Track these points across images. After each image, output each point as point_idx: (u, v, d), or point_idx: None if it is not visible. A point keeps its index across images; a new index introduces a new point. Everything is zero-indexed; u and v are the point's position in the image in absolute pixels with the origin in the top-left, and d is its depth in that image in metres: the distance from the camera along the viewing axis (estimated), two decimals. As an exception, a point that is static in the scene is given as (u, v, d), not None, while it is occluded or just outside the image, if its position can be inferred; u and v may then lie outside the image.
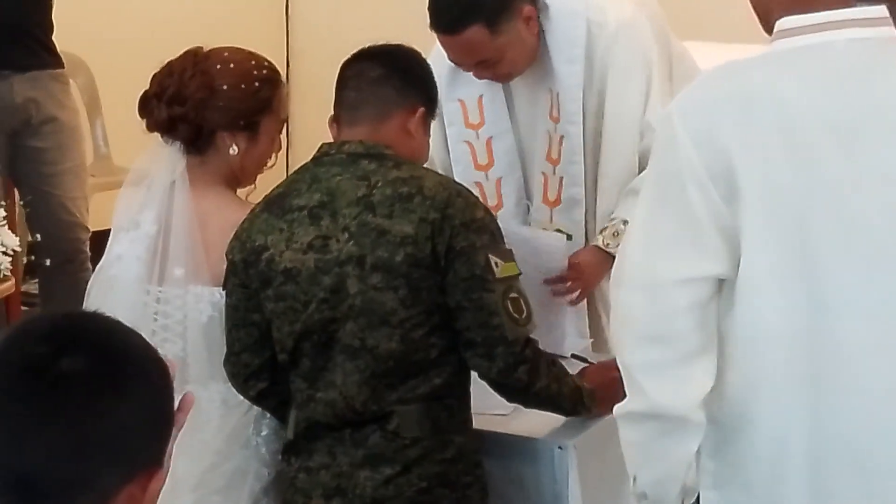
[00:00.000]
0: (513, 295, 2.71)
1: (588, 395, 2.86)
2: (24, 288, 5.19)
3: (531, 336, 2.75)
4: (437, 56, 3.30)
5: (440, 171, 3.24)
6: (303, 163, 2.88)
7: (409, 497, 2.72)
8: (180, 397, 1.67)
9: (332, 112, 2.88)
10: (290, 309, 2.75)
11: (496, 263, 2.70)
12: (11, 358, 1.56)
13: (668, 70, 3.37)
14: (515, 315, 2.70)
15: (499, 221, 2.84)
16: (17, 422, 1.53)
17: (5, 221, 4.18)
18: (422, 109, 2.87)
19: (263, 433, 2.96)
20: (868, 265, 2.16)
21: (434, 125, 3.03)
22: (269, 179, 3.01)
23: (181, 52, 3.02)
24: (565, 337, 3.30)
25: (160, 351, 1.65)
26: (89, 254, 4.85)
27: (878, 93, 2.20)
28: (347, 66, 2.89)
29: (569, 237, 3.33)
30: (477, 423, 2.85)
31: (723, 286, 2.20)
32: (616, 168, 3.34)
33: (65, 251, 4.85)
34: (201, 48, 3.03)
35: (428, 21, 3.21)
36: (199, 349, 2.94)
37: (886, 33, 2.22)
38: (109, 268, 3.02)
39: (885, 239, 2.16)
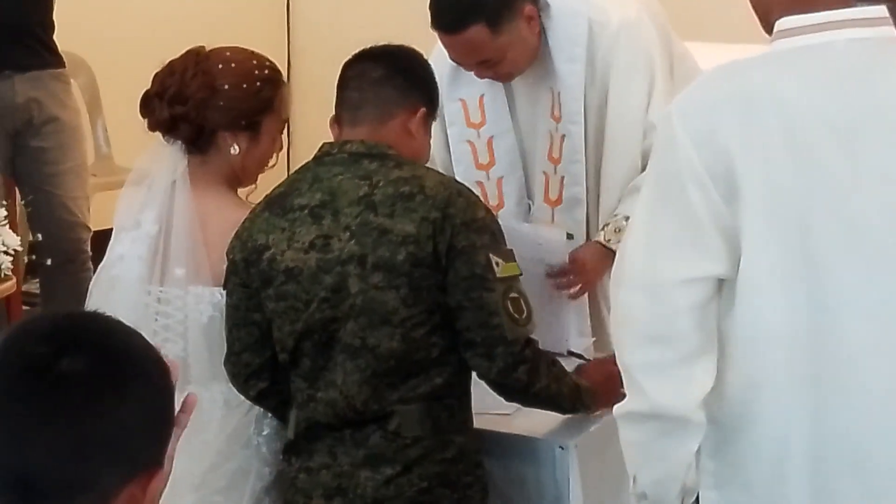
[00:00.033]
0: (513, 295, 2.71)
1: (587, 392, 2.87)
2: (25, 287, 5.19)
3: (531, 336, 2.75)
4: (438, 55, 3.30)
5: (441, 171, 3.24)
6: (304, 162, 2.88)
7: (410, 497, 2.72)
8: (183, 398, 1.67)
9: (334, 112, 2.89)
10: (291, 308, 2.75)
11: (497, 263, 2.70)
12: (12, 358, 1.56)
13: (670, 70, 3.37)
14: (515, 315, 2.70)
15: (499, 220, 2.84)
16: (18, 422, 1.53)
17: (6, 221, 4.18)
18: (423, 110, 2.88)
19: (265, 433, 2.96)
20: (868, 265, 2.16)
21: (435, 125, 3.03)
22: (270, 179, 3.01)
23: (182, 51, 3.02)
24: (568, 335, 3.30)
25: (161, 351, 1.65)
26: (90, 253, 4.85)
27: (879, 93, 2.20)
28: (349, 67, 2.89)
29: (570, 236, 3.33)
30: (478, 423, 2.85)
31: (723, 286, 2.20)
32: (619, 167, 3.33)
33: (66, 251, 4.85)
34: (203, 48, 3.03)
35: (429, 20, 3.21)
36: (199, 349, 2.94)
37: (886, 33, 2.22)
38: (111, 268, 3.02)
39: (885, 239, 2.16)
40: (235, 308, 2.84)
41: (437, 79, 3.02)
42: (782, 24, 2.22)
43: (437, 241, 2.68)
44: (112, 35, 5.76)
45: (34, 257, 4.86)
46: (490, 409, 2.93)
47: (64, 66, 4.95)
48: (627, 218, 3.15)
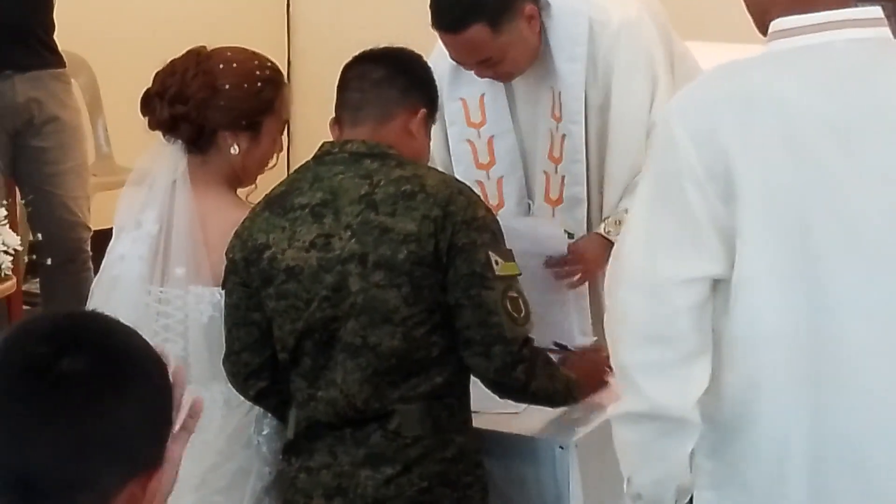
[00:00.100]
0: (512, 294, 2.72)
1: (575, 385, 2.88)
2: (25, 287, 5.19)
3: (530, 335, 2.76)
4: (438, 55, 3.31)
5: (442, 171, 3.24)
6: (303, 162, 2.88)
7: (410, 497, 2.72)
8: (189, 401, 1.67)
9: (334, 113, 2.89)
10: (292, 307, 2.75)
11: (496, 261, 2.70)
12: (12, 358, 1.56)
13: (671, 69, 3.37)
14: (514, 314, 2.71)
15: (499, 219, 2.84)
16: (18, 422, 1.53)
17: (7, 221, 4.18)
18: (423, 110, 2.88)
19: (265, 432, 2.96)
20: (868, 265, 2.16)
21: (435, 124, 3.03)
22: (270, 179, 3.01)
23: (183, 51, 3.02)
24: (569, 332, 3.29)
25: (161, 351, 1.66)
26: (90, 253, 4.85)
27: (879, 93, 2.20)
28: (349, 69, 2.90)
29: (571, 236, 3.33)
30: (478, 423, 2.85)
31: (719, 286, 2.20)
32: (622, 167, 3.33)
33: (66, 250, 4.85)
34: (204, 47, 3.03)
35: (429, 20, 3.21)
36: (200, 349, 2.94)
37: (884, 34, 2.22)
38: (112, 268, 3.02)
39: (885, 239, 2.16)
40: (235, 307, 2.84)
41: (438, 78, 3.03)
42: (779, 24, 2.22)
43: (438, 239, 2.68)
44: (112, 35, 5.76)
45: (34, 257, 4.86)
46: (496, 408, 2.94)
47: (64, 66, 4.95)
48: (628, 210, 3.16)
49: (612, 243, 3.13)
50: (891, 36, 2.23)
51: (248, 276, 2.80)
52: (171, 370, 1.66)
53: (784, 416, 2.19)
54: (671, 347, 2.19)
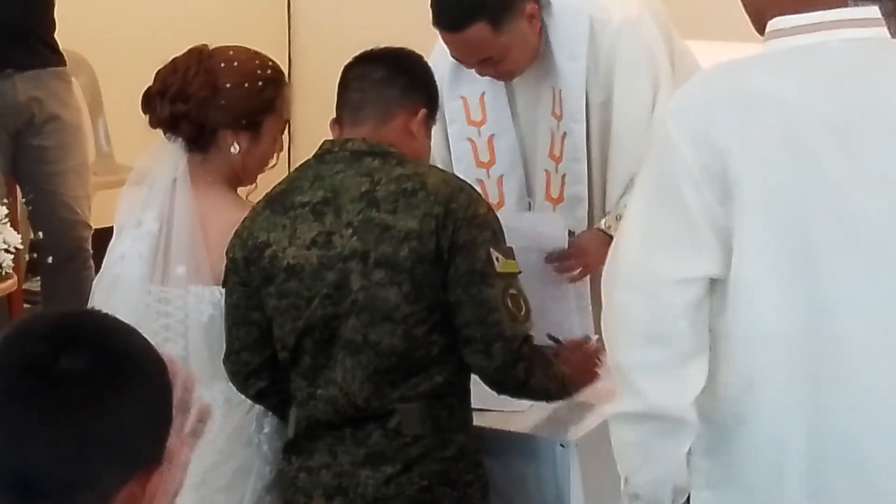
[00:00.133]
0: (512, 291, 2.72)
1: (569, 380, 2.88)
2: (26, 286, 5.19)
3: (530, 333, 2.76)
4: (439, 54, 3.31)
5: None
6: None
7: (411, 496, 2.72)
8: (199, 405, 1.68)
9: (335, 114, 2.89)
10: (293, 306, 2.75)
11: (497, 259, 2.70)
12: (11, 357, 1.56)
13: (672, 67, 3.37)
14: (515, 311, 2.71)
15: (499, 216, 2.85)
16: (18, 422, 1.53)
17: (8, 219, 4.18)
18: (424, 110, 2.88)
19: (265, 431, 2.96)
20: (868, 265, 2.16)
21: (435, 124, 3.04)
22: (271, 179, 3.01)
23: (183, 51, 3.02)
24: (571, 326, 3.28)
25: (162, 351, 1.65)
26: (91, 252, 4.85)
27: (878, 93, 2.19)
28: (350, 69, 2.90)
29: (571, 234, 3.33)
30: (479, 421, 2.85)
31: (715, 286, 2.19)
32: (624, 166, 3.33)
33: (67, 249, 4.85)
34: (206, 46, 3.03)
35: (430, 20, 3.21)
36: (200, 348, 2.94)
37: (882, 33, 2.21)
38: (113, 267, 3.02)
39: (885, 239, 2.16)
40: (235, 307, 2.84)
41: (438, 77, 3.03)
42: (776, 24, 2.21)
43: (439, 236, 2.68)
44: (113, 34, 5.76)
45: (35, 255, 4.86)
46: (502, 406, 2.94)
47: (65, 65, 4.95)
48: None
49: (612, 238, 3.13)
50: (888, 36, 2.22)
51: (248, 276, 2.80)
52: (182, 378, 1.66)
53: (782, 416, 2.19)
54: (669, 347, 2.19)
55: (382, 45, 2.93)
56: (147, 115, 2.99)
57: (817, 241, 2.15)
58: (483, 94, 3.45)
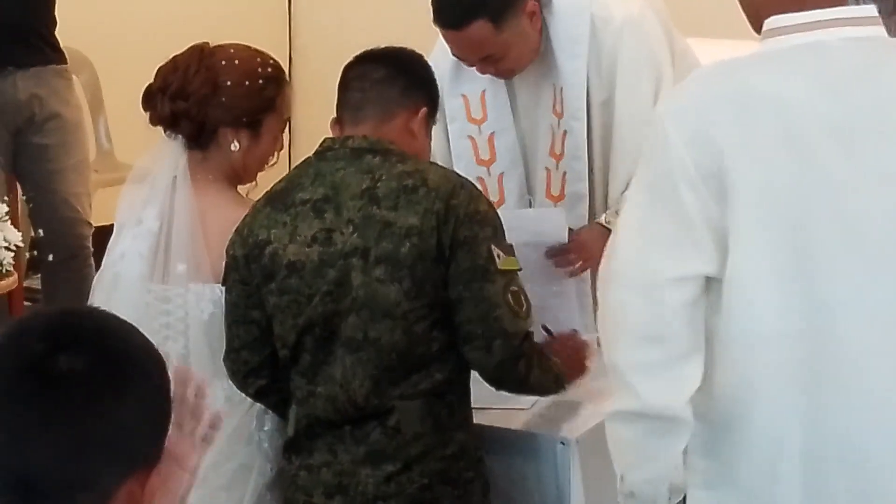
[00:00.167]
0: (513, 288, 2.72)
1: (563, 374, 2.89)
2: (26, 283, 5.18)
3: (530, 330, 2.76)
4: (439, 52, 3.31)
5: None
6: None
7: (411, 494, 2.72)
8: (210, 411, 1.68)
9: (335, 113, 2.89)
10: (294, 303, 2.75)
11: (498, 256, 2.70)
12: (11, 357, 1.56)
13: (673, 65, 3.37)
14: (516, 308, 2.71)
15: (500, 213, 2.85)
16: (18, 422, 1.53)
17: (8, 217, 4.18)
18: (424, 110, 2.88)
19: (266, 428, 2.96)
20: (868, 265, 2.15)
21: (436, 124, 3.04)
22: (271, 177, 3.01)
23: (184, 49, 3.02)
24: (571, 321, 3.28)
25: (162, 349, 1.65)
26: (92, 249, 4.85)
27: (878, 92, 2.19)
28: (350, 69, 2.90)
29: (571, 231, 3.33)
30: (480, 419, 2.85)
31: (711, 285, 2.19)
32: (626, 164, 3.32)
33: (68, 247, 4.85)
34: (207, 44, 3.03)
35: (431, 19, 3.21)
36: (200, 347, 2.94)
37: (880, 32, 2.21)
38: (113, 265, 3.02)
39: (885, 239, 2.15)
40: (234, 305, 2.84)
41: (439, 75, 3.03)
42: (773, 22, 2.20)
43: (440, 233, 2.68)
44: (114, 32, 5.76)
45: (36, 253, 4.87)
46: (504, 404, 2.94)
47: (66, 63, 4.95)
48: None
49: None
50: (886, 34, 2.22)
51: (248, 274, 2.80)
52: (194, 383, 1.66)
53: (779, 416, 2.18)
54: (665, 346, 2.18)
55: (383, 45, 2.93)
56: (147, 113, 2.99)
57: (818, 240, 2.14)
58: (484, 91, 3.45)
